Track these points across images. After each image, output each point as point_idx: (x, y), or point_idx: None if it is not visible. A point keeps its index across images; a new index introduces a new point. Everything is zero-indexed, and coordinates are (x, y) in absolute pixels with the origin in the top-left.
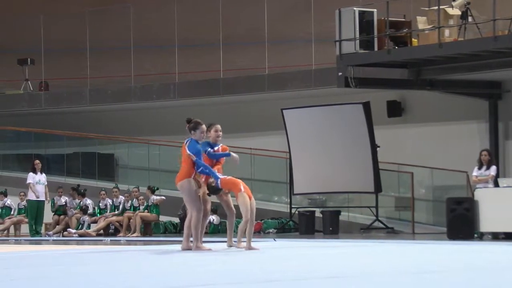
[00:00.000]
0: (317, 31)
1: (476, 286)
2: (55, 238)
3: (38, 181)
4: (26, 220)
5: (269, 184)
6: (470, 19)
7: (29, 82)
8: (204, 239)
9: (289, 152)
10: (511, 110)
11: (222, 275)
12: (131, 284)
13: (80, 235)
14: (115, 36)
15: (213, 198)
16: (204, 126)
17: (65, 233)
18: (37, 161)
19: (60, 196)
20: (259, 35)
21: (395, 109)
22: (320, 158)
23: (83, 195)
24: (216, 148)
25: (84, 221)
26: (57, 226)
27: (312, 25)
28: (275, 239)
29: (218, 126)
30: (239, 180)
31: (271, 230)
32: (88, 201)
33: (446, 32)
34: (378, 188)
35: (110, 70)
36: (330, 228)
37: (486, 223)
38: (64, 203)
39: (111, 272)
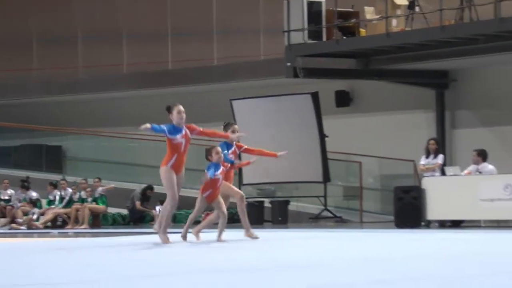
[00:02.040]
0: (265, 21)
1: (421, 274)
2: (1, 231)
3: None
4: None
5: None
6: (417, 9)
7: None
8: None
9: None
10: (457, 99)
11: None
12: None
13: (28, 227)
14: (63, 27)
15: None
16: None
17: (13, 225)
18: None
19: (6, 189)
20: (207, 26)
21: (343, 99)
22: (269, 149)
23: (27, 188)
24: (232, 150)
25: (34, 213)
26: (1, 219)
27: (261, 16)
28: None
29: (236, 127)
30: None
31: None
32: (33, 194)
33: (394, 22)
34: (326, 177)
35: (58, 61)
36: (279, 218)
37: (433, 211)
38: (9, 196)
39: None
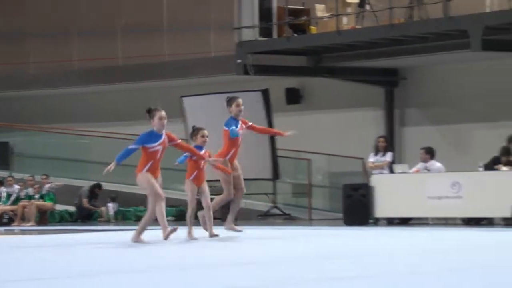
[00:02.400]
0: (216, 18)
1: (372, 271)
2: None
3: None
4: None
5: (168, 172)
6: (367, 7)
7: None
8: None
9: (189, 139)
10: (407, 97)
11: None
12: None
13: None
14: (12, 23)
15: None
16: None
17: None
18: None
19: None
20: (158, 22)
21: (293, 97)
22: (219, 145)
23: None
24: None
25: None
26: None
27: (212, 12)
28: (174, 227)
29: (240, 100)
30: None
31: (169, 218)
32: None
33: (344, 19)
34: (275, 175)
35: (5, 57)
36: (227, 215)
37: (382, 209)
38: None
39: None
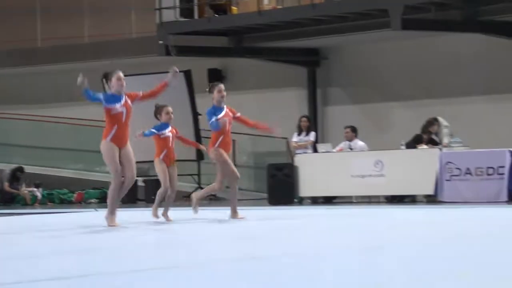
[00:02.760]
0: None
1: (297, 249)
2: None
3: None
4: None
5: (90, 154)
6: None
7: None
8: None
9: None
10: (328, 77)
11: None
12: None
13: None
14: None
15: None
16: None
17: None
18: None
19: None
20: (78, 3)
21: (216, 77)
22: (142, 127)
23: None
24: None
25: None
26: None
27: None
28: (97, 209)
29: (221, 86)
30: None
31: (93, 200)
32: None
33: (265, 0)
34: (200, 155)
35: None
36: (153, 197)
37: (306, 188)
38: None
39: None
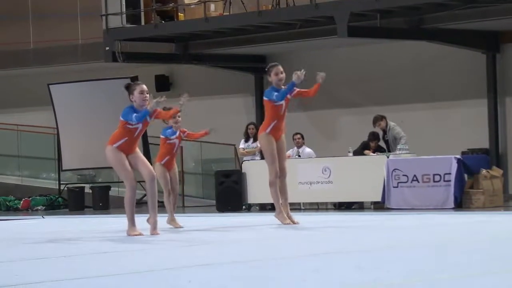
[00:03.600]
0: (83, 4)
1: (243, 255)
2: None
3: None
4: None
5: (36, 161)
6: None
7: None
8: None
9: (57, 128)
10: None
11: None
12: None
13: None
14: None
15: None
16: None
17: None
18: None
19: None
20: (23, 9)
21: (163, 84)
22: (89, 134)
23: None
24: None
25: None
26: None
27: None
28: (44, 216)
29: (279, 68)
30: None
31: (39, 207)
32: None
33: (212, 6)
34: (148, 161)
35: None
36: (100, 204)
37: (254, 195)
38: None
39: None
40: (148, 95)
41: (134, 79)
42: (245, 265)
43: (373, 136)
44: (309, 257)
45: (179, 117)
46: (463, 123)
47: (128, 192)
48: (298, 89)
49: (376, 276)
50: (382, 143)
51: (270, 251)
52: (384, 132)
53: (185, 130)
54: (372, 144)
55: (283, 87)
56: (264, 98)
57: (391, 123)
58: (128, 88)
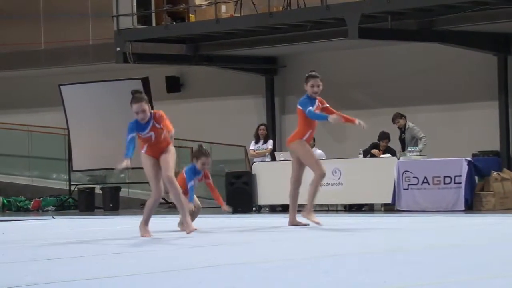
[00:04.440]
0: (94, 5)
1: (252, 256)
2: None
3: None
4: None
5: (47, 161)
6: None
7: None
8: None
9: (68, 128)
10: (286, 85)
11: None
12: None
13: None
14: None
15: None
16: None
17: None
18: None
19: None
20: (34, 9)
21: (174, 85)
22: (99, 134)
23: None
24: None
25: None
26: None
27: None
28: (54, 216)
29: (317, 81)
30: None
31: (50, 208)
32: None
33: (223, 7)
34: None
35: None
36: (111, 205)
37: (264, 196)
38: None
39: None
40: (143, 114)
41: (145, 80)
42: (254, 267)
43: (384, 135)
44: (319, 259)
45: (208, 165)
46: (474, 125)
47: (150, 199)
48: (327, 105)
49: (386, 278)
50: (393, 144)
51: (280, 253)
52: (402, 131)
53: (209, 176)
54: (383, 144)
55: (317, 99)
56: (298, 107)
57: (410, 124)
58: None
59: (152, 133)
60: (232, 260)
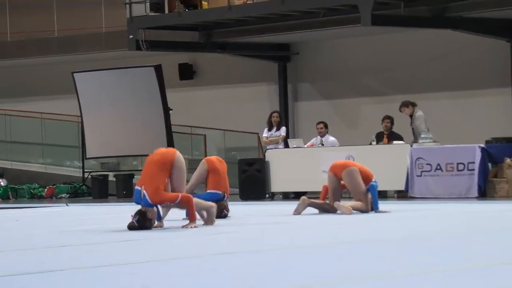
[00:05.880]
0: None
1: (265, 243)
2: None
3: None
4: None
5: (60, 149)
6: None
7: None
8: None
9: (81, 116)
10: (299, 72)
11: None
12: None
13: None
14: None
15: None
16: None
17: None
18: None
19: None
20: None
21: (186, 72)
22: (112, 122)
23: None
24: None
25: None
26: None
27: None
28: (68, 204)
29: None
30: None
31: (63, 195)
32: None
33: None
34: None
35: None
36: (124, 192)
37: (277, 183)
38: None
39: None
40: None
41: (158, 67)
42: (267, 254)
43: (386, 116)
44: (332, 246)
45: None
46: (487, 112)
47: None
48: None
49: (399, 265)
50: (405, 131)
51: (292, 240)
52: (412, 119)
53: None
54: (385, 124)
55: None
56: None
57: (417, 114)
58: None
59: None
60: (245, 248)
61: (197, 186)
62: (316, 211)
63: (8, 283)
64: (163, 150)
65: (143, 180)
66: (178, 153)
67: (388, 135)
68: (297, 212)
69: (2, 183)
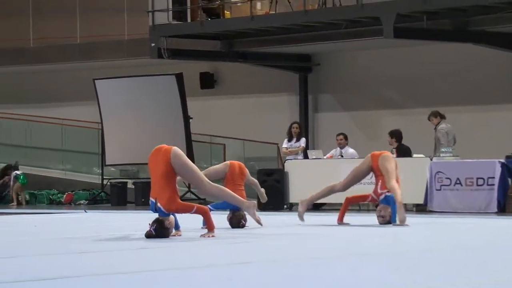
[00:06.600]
0: (129, 0)
1: (282, 254)
2: None
3: None
4: None
5: (80, 155)
6: None
7: None
8: None
9: (101, 122)
10: (320, 83)
11: None
12: None
13: None
14: None
15: None
16: None
17: None
18: None
19: None
20: (70, 3)
21: (207, 81)
22: (133, 129)
23: None
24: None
25: None
26: None
27: None
28: (86, 210)
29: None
30: None
31: (82, 202)
32: None
33: (258, 5)
34: (190, 159)
35: None
36: (142, 199)
37: (296, 194)
38: None
39: None
40: None
41: (179, 76)
42: (283, 264)
43: (391, 132)
44: (348, 257)
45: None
46: (507, 127)
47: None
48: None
49: (416, 277)
50: (427, 144)
51: (309, 251)
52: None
53: None
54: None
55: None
56: None
57: (439, 126)
58: None
59: None
60: (262, 257)
61: (213, 179)
62: (333, 221)
63: None
64: (159, 154)
65: (154, 191)
66: (173, 150)
67: (397, 149)
68: (301, 216)
69: (18, 172)
